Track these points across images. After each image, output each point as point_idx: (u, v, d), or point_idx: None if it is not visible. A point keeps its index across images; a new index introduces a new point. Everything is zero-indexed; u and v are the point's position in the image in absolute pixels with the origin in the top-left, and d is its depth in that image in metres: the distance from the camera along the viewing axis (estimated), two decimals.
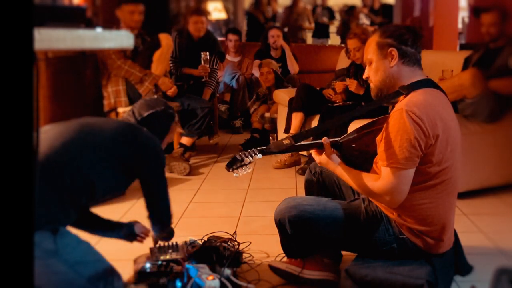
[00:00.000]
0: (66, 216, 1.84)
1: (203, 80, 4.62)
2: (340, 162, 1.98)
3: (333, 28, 9.43)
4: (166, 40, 3.94)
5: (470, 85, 3.11)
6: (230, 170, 1.97)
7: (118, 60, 3.83)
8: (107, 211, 3.04)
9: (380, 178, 1.85)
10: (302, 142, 2.02)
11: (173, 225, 2.18)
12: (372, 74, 1.97)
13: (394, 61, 1.90)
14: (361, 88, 3.72)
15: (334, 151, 2.01)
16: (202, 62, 4.47)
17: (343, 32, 8.81)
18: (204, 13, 4.82)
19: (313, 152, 2.05)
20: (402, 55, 1.90)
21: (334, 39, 9.70)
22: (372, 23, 8.76)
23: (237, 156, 1.96)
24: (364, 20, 8.93)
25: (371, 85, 1.99)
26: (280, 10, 9.74)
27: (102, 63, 3.91)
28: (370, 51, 1.96)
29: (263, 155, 1.96)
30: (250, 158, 1.94)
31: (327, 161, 1.99)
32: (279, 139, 4.33)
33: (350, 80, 3.82)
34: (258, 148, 1.97)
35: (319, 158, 2.01)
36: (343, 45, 5.68)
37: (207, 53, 4.47)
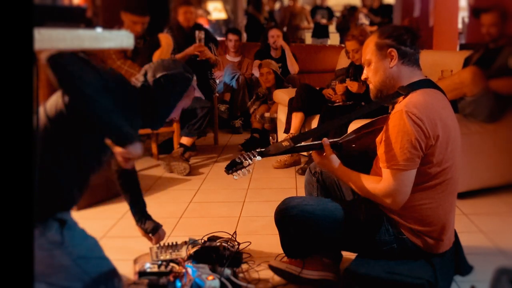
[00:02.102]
0: (75, 195, 1.86)
1: (198, 59, 4.48)
2: (339, 163, 1.98)
3: (332, 28, 9.43)
4: (166, 40, 3.94)
5: (471, 82, 3.10)
6: (230, 172, 1.96)
7: (118, 60, 3.84)
8: (107, 211, 3.05)
9: (381, 180, 1.85)
10: (302, 144, 2.02)
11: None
12: (372, 75, 1.96)
13: (393, 61, 1.90)
14: (363, 87, 3.72)
15: (333, 152, 2.00)
16: (197, 41, 4.40)
17: (342, 28, 8.81)
18: (192, 3, 4.80)
19: (313, 153, 2.05)
20: (401, 56, 1.90)
21: (333, 39, 9.69)
22: (371, 23, 8.76)
23: (236, 159, 1.95)
24: (364, 20, 8.93)
25: (370, 86, 1.98)
26: (277, 7, 9.72)
27: (102, 63, 3.91)
28: (369, 52, 1.95)
29: (262, 157, 1.95)
30: (249, 160, 1.93)
31: (327, 162, 1.98)
32: (279, 139, 4.35)
33: (350, 82, 3.82)
34: (257, 150, 1.96)
35: (319, 159, 2.00)
36: (342, 45, 5.68)
37: (203, 32, 4.42)
